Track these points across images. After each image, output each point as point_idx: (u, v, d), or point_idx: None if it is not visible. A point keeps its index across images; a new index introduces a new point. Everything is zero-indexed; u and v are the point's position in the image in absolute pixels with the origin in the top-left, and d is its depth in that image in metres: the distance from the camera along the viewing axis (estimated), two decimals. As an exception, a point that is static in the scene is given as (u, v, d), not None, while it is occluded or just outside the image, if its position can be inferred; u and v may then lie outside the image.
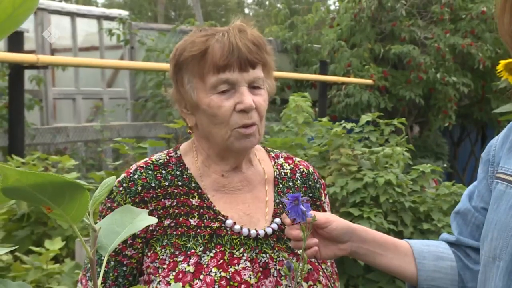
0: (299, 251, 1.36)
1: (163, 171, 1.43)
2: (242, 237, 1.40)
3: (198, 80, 1.39)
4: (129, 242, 1.36)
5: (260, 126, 1.40)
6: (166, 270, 1.34)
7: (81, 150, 6.69)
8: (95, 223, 0.72)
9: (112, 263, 1.37)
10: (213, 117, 1.37)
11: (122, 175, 1.42)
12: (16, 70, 4.10)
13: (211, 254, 1.36)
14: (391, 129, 4.55)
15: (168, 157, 1.46)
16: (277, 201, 1.47)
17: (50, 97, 7.32)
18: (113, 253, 1.36)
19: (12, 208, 3.19)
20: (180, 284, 1.31)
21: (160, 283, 1.33)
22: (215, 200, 1.43)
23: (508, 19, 1.15)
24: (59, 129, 6.34)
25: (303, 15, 9.86)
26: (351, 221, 1.54)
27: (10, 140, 4.18)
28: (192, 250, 1.35)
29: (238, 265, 1.36)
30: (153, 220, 0.77)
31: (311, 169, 1.57)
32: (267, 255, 1.40)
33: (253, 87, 1.39)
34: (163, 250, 1.36)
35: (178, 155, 1.47)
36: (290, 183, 1.51)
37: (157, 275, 1.35)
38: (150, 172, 1.42)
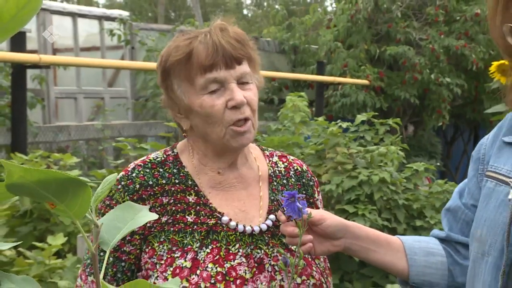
0: (294, 247, 1.39)
1: (161, 169, 1.44)
2: (238, 233, 1.41)
3: (187, 83, 1.39)
4: (127, 238, 1.37)
5: (253, 120, 1.41)
6: (164, 265, 1.35)
7: (82, 148, 6.68)
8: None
9: (111, 259, 1.38)
10: (207, 117, 1.39)
11: (121, 174, 1.43)
12: (19, 70, 4.11)
13: (208, 250, 1.37)
14: (386, 128, 4.58)
15: (165, 156, 1.48)
16: (272, 198, 1.49)
17: (52, 96, 7.32)
18: (112, 249, 1.39)
19: (15, 205, 3.19)
20: (179, 279, 1.32)
21: (158, 278, 1.34)
22: (211, 197, 1.44)
23: (500, 21, 1.15)
24: (61, 128, 6.34)
25: (301, 16, 9.91)
26: (346, 218, 1.59)
27: (13, 138, 4.19)
28: (189, 246, 1.37)
29: (233, 261, 1.37)
30: (154, 216, 0.77)
31: (304, 167, 1.59)
32: (262, 251, 1.41)
33: (241, 83, 1.40)
34: (161, 246, 1.37)
35: (175, 153, 1.49)
36: (284, 181, 1.53)
37: (155, 270, 1.36)
38: (147, 170, 1.43)
